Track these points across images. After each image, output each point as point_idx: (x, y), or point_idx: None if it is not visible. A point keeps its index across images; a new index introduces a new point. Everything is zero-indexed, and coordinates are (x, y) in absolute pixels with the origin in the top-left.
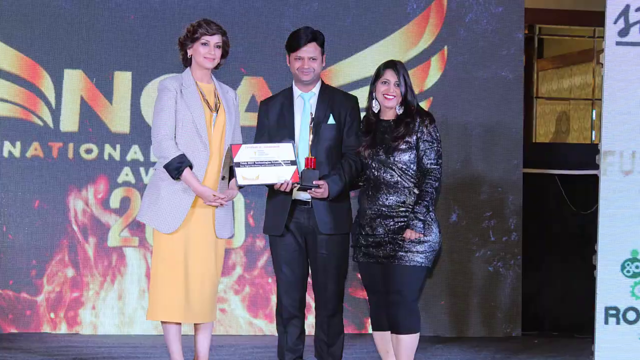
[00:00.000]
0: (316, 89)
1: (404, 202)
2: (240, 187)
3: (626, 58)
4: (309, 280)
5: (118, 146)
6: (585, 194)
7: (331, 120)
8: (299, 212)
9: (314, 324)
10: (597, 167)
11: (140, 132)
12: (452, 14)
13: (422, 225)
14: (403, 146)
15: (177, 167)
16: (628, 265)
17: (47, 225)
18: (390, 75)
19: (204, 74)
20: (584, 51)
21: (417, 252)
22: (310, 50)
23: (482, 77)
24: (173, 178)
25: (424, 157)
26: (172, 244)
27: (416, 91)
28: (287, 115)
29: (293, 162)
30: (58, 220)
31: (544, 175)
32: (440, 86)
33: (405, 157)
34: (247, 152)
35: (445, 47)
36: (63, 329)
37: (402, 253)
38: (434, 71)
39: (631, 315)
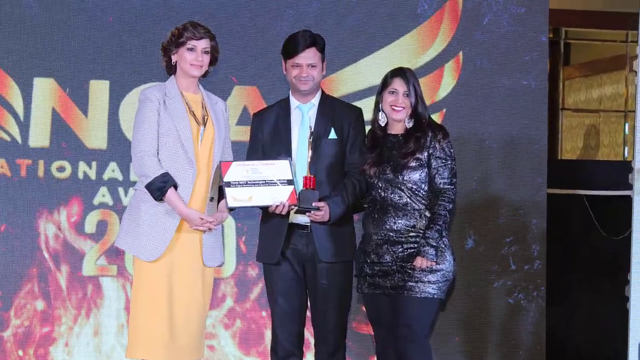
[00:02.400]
0: (316, 100)
1: (414, 227)
2: (231, 210)
3: None
4: (308, 313)
5: (94, 163)
6: (617, 217)
7: (332, 135)
8: (296, 237)
9: None
10: (630, 186)
11: (119, 147)
12: (468, 15)
13: (434, 252)
14: (413, 164)
15: (160, 187)
16: None
17: (14, 252)
18: (398, 85)
19: (190, 82)
20: (616, 57)
21: (429, 282)
22: (309, 56)
23: (501, 86)
24: (155, 199)
25: (436, 175)
26: (155, 273)
27: (428, 102)
28: (283, 129)
29: (290, 182)
30: (27, 246)
31: (571, 196)
32: (454, 96)
33: (415, 176)
34: (239, 171)
35: (460, 53)
36: None
37: (411, 283)
38: (448, 80)
39: None
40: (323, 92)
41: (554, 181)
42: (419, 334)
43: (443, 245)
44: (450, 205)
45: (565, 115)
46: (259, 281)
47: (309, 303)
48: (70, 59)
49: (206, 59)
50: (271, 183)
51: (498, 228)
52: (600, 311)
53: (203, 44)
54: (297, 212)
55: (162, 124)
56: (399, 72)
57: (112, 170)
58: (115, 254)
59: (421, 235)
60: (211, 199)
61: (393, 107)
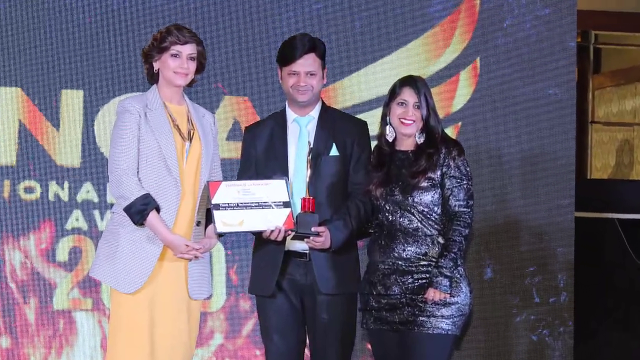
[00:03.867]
0: (315, 112)
1: (425, 254)
2: (220, 235)
3: None
4: (307, 352)
5: (66, 184)
6: None
7: (334, 152)
8: (293, 266)
9: None
10: None
11: (94, 166)
12: (486, 16)
13: (448, 283)
14: (424, 184)
15: (140, 210)
16: None
17: None
18: (408, 95)
19: (174, 92)
20: None
21: (442, 316)
22: (307, 63)
23: (523, 97)
24: (135, 223)
25: (450, 197)
26: (135, 306)
27: (441, 114)
28: (278, 145)
29: (286, 204)
30: None
31: (602, 220)
32: (471, 108)
33: (427, 198)
34: (229, 192)
35: (478, 59)
36: None
37: (423, 318)
38: (464, 89)
39: None
40: (323, 104)
41: (583, 203)
42: None
43: (458, 276)
44: (466, 231)
45: (595, 129)
46: (251, 315)
47: (307, 340)
48: (39, 66)
49: (192, 66)
50: (265, 205)
51: (520, 256)
52: (633, 344)
53: (188, 49)
54: (294, 238)
55: (143, 139)
56: (409, 81)
57: (87, 191)
58: (90, 286)
59: (433, 264)
60: (198, 224)
61: (402, 120)
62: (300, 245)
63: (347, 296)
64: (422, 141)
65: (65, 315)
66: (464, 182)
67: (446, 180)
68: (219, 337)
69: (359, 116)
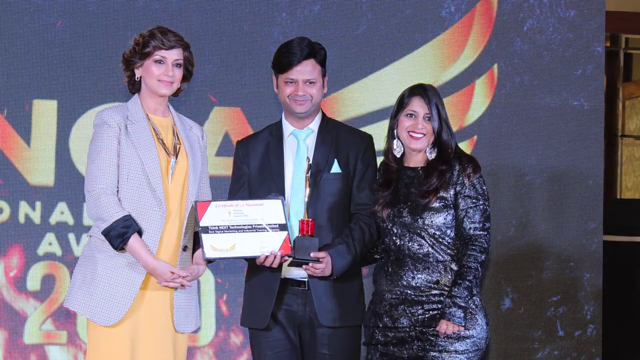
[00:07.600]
0: (315, 125)
1: (437, 282)
2: (209, 261)
3: None
4: None
5: (38, 204)
6: None
7: (336, 168)
8: (290, 296)
9: None
10: None
11: (69, 184)
12: (504, 19)
13: (462, 315)
14: (436, 204)
15: (120, 234)
16: None
17: None
18: (418, 106)
19: (158, 103)
20: None
21: (456, 351)
22: (306, 70)
23: (546, 108)
24: (115, 248)
25: (465, 219)
26: (114, 341)
27: (455, 127)
28: (274, 161)
29: (283, 227)
30: None
31: (633, 245)
32: (487, 120)
33: (439, 220)
34: (219, 213)
35: (495, 66)
36: None
37: (434, 353)
38: (480, 99)
39: None
40: (324, 115)
41: (612, 226)
42: None
43: (473, 306)
44: (483, 256)
45: (625, 143)
46: (244, 350)
47: None
48: (8, 73)
49: (178, 73)
50: (259, 228)
51: (542, 284)
52: None
53: (174, 54)
54: (291, 264)
55: (124, 155)
56: (419, 90)
57: (61, 212)
58: (64, 317)
59: (446, 293)
60: (184, 249)
61: (411, 133)
62: (298, 273)
63: (350, 329)
64: (433, 157)
65: (37, 350)
66: (480, 202)
67: (460, 200)
68: None
69: (363, 129)
